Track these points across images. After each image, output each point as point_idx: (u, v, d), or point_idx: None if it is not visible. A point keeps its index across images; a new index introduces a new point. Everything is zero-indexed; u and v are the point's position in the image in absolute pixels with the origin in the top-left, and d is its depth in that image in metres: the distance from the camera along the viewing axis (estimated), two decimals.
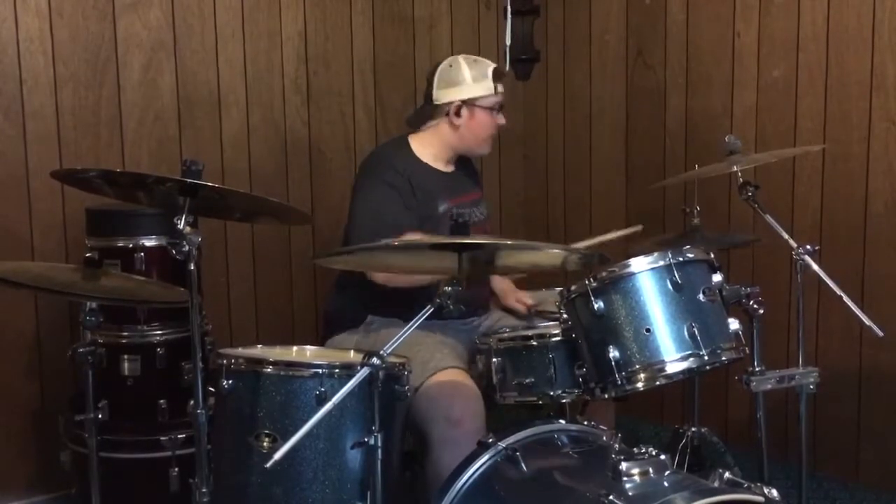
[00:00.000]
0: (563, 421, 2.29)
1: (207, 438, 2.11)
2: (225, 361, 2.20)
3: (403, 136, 2.97)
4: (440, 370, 2.53)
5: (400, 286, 2.62)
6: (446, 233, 2.38)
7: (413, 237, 2.58)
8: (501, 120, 2.91)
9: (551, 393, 2.29)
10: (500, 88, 2.88)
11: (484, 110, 2.86)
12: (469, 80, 2.84)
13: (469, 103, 2.85)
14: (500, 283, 3.07)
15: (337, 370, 2.17)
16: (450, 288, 2.01)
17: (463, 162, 3.02)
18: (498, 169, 4.07)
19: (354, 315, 2.83)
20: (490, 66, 2.87)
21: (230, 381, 2.17)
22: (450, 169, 2.96)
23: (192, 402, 2.08)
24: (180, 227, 2.01)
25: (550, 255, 2.43)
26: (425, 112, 2.91)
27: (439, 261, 2.09)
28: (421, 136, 2.92)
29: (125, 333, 2.83)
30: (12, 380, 3.16)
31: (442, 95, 2.86)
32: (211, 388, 2.18)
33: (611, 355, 2.12)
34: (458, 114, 2.85)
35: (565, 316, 2.26)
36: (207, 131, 3.45)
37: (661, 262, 2.14)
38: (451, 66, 2.88)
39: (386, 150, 2.97)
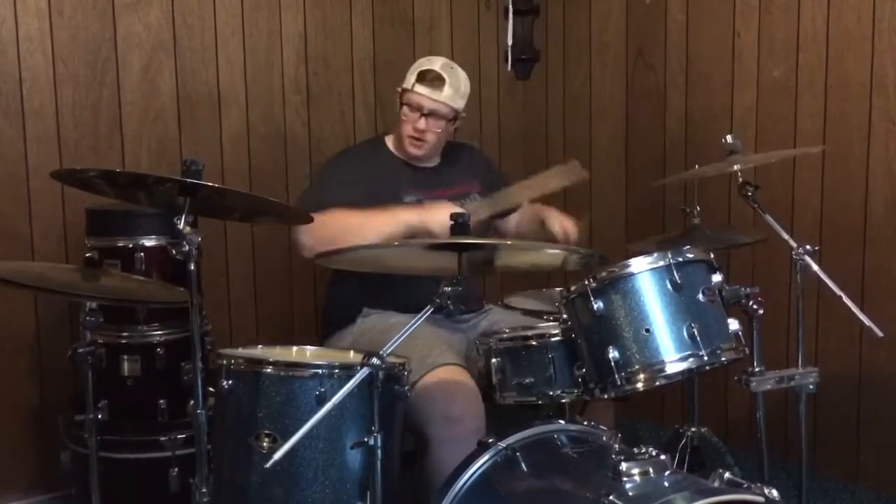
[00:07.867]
0: (563, 421, 2.28)
1: (207, 438, 2.11)
2: (225, 361, 2.20)
3: (381, 134, 3.02)
4: (438, 366, 2.51)
5: (334, 248, 2.26)
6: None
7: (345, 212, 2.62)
8: (421, 124, 2.82)
9: (551, 393, 2.29)
10: (422, 90, 2.81)
11: (403, 104, 2.87)
12: (409, 71, 2.88)
13: (400, 92, 2.89)
14: (538, 211, 2.99)
15: (337, 370, 2.17)
16: (449, 288, 2.01)
17: (457, 155, 3.00)
18: (498, 168, 4.06)
19: (350, 311, 2.83)
20: (429, 66, 2.84)
21: (230, 382, 2.17)
22: (432, 163, 2.96)
23: (192, 402, 2.08)
24: (180, 227, 2.01)
25: (550, 255, 2.43)
26: None
27: (439, 260, 2.09)
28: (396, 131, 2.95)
29: (125, 333, 2.83)
30: (12, 380, 3.16)
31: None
32: (211, 388, 2.18)
33: (610, 355, 2.11)
34: (399, 100, 2.89)
35: (565, 316, 2.26)
36: (207, 131, 3.45)
37: (661, 263, 2.14)
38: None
39: (358, 144, 3.01)
